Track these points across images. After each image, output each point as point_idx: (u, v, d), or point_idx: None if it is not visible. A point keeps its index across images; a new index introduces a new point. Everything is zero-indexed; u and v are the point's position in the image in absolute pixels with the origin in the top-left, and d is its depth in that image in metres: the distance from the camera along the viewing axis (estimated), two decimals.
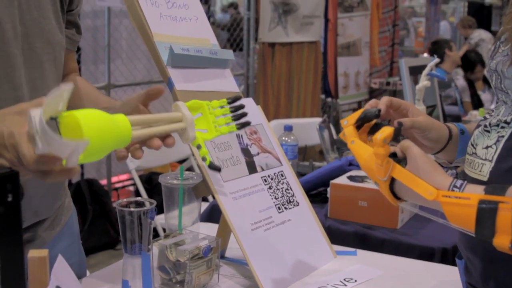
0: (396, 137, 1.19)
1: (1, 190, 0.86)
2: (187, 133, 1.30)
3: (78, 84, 1.66)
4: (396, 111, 1.38)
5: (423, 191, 1.10)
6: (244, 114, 1.37)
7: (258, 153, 1.66)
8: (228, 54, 1.73)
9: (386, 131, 1.14)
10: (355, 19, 6.89)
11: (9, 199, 0.87)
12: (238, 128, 1.38)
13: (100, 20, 5.00)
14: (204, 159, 1.38)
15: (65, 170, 1.13)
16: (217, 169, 1.40)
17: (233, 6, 12.28)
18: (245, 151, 1.62)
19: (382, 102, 1.35)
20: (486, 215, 1.02)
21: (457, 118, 4.51)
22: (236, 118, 1.36)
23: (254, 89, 5.77)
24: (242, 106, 1.37)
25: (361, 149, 1.21)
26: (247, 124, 1.39)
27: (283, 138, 2.62)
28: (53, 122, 1.08)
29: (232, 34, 6.12)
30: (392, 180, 1.17)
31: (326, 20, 6.45)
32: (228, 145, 1.59)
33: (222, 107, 1.36)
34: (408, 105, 1.39)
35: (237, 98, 1.37)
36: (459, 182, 1.10)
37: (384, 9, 7.72)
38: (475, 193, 1.06)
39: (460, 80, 6.79)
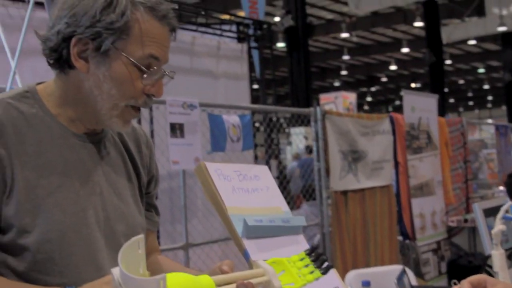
0: None
1: None
2: (272, 284, 1.35)
3: (161, 262, 1.75)
4: (476, 287, 1.42)
5: None
6: (325, 259, 1.42)
7: None
8: (300, 220, 1.78)
9: None
10: (425, 159, 6.91)
11: None
12: (323, 273, 1.42)
13: (175, 182, 5.18)
14: None
15: None
16: None
17: (308, 149, 12.55)
18: None
19: None
20: None
21: None
22: (318, 265, 1.41)
23: (330, 237, 5.76)
24: (321, 254, 1.42)
25: None
26: (330, 267, 1.43)
27: None
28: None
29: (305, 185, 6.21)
30: None
31: (396, 163, 6.49)
32: None
33: (302, 259, 1.41)
34: (484, 277, 1.42)
35: (314, 248, 1.42)
36: None
37: (454, 147, 7.74)
38: None
39: None
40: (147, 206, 1.79)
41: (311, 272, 1.42)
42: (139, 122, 4.96)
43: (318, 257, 1.43)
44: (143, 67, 1.53)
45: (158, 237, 5.48)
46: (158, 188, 1.86)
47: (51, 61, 1.58)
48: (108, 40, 1.50)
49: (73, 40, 1.52)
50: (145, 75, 1.54)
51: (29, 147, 1.51)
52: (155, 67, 1.55)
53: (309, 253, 1.44)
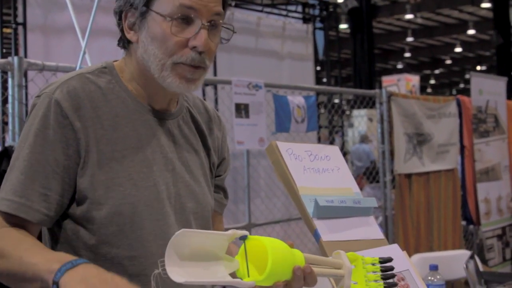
0: None
1: None
2: (344, 281, 1.38)
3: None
4: None
5: None
6: (393, 276, 1.42)
7: None
8: (371, 202, 1.77)
9: None
10: (492, 143, 6.77)
11: None
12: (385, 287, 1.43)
13: (239, 162, 5.22)
14: None
15: None
16: None
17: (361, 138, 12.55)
18: None
19: None
20: None
21: None
22: (384, 277, 1.42)
23: (393, 220, 5.72)
24: (392, 268, 1.42)
25: None
26: (394, 285, 1.44)
27: (429, 278, 2.58)
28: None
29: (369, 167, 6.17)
30: None
31: (462, 147, 6.38)
32: None
33: (373, 264, 1.41)
34: None
35: (388, 260, 1.42)
36: None
37: None
38: None
39: None
40: (217, 188, 1.81)
41: (375, 281, 1.44)
42: None
43: (387, 270, 1.44)
44: (175, 18, 1.51)
45: None
46: (228, 172, 1.88)
47: (120, 44, 1.64)
48: (140, 2, 1.53)
49: (123, 14, 1.57)
50: (183, 28, 1.52)
51: (105, 121, 1.54)
52: (191, 17, 1.52)
53: (383, 261, 1.44)
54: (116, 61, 1.66)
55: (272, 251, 1.19)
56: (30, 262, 1.36)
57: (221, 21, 1.57)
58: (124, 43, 1.62)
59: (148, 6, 1.52)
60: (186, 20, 1.51)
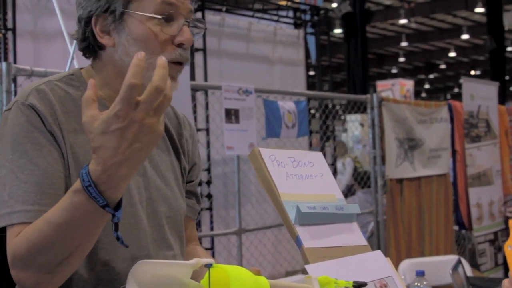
0: None
1: None
2: None
3: (200, 254, 1.77)
4: None
5: None
6: None
7: None
8: (354, 208, 1.76)
9: None
10: (483, 148, 6.78)
11: None
12: None
13: (229, 167, 5.21)
14: None
15: None
16: None
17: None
18: None
19: None
20: None
21: None
22: None
23: (384, 225, 5.72)
24: None
25: None
26: None
27: (416, 283, 2.58)
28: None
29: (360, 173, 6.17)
30: None
31: (454, 152, 6.39)
32: None
33: None
34: None
35: (363, 285, 1.40)
36: None
37: None
38: None
39: None
40: (189, 194, 1.81)
41: None
42: (194, 107, 4.99)
43: None
44: (159, 16, 1.51)
45: (211, 222, 5.55)
46: (199, 178, 1.87)
47: (86, 52, 1.61)
48: (118, 4, 1.51)
49: (93, 20, 1.54)
50: (164, 26, 1.52)
51: (76, 126, 1.52)
52: (172, 14, 1.53)
53: (357, 286, 1.42)
54: (82, 68, 1.66)
55: (235, 281, 1.18)
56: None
57: (192, 18, 1.58)
58: (95, 51, 1.59)
59: (126, 8, 1.52)
60: (167, 18, 1.52)
